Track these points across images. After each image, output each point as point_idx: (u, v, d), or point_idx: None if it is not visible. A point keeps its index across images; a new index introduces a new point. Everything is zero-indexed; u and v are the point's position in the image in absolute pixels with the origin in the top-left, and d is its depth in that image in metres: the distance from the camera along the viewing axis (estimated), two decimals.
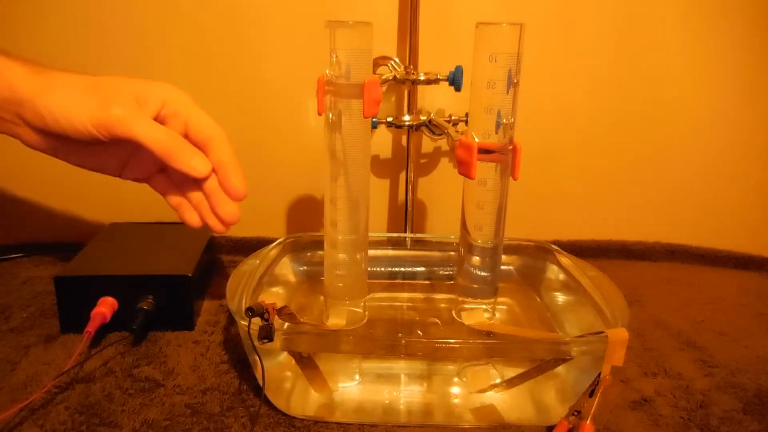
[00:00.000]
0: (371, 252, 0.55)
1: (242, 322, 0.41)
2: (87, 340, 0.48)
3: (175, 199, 0.47)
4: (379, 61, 0.66)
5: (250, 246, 0.70)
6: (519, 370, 0.45)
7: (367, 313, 0.53)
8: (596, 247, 0.75)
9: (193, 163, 0.44)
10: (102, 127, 0.42)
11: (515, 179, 0.48)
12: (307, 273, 0.61)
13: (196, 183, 0.45)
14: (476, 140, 0.47)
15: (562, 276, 0.57)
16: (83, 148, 0.45)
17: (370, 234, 0.52)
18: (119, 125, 0.42)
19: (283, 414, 0.43)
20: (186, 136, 0.46)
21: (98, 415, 0.42)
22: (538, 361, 0.44)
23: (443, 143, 0.71)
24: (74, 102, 0.42)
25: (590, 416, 0.39)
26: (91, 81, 0.43)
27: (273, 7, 0.66)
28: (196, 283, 0.55)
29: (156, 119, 0.44)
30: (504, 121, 0.46)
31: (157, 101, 0.44)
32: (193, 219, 0.47)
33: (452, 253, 0.63)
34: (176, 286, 0.52)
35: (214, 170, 0.45)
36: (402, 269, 0.63)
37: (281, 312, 0.43)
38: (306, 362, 0.43)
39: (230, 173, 0.45)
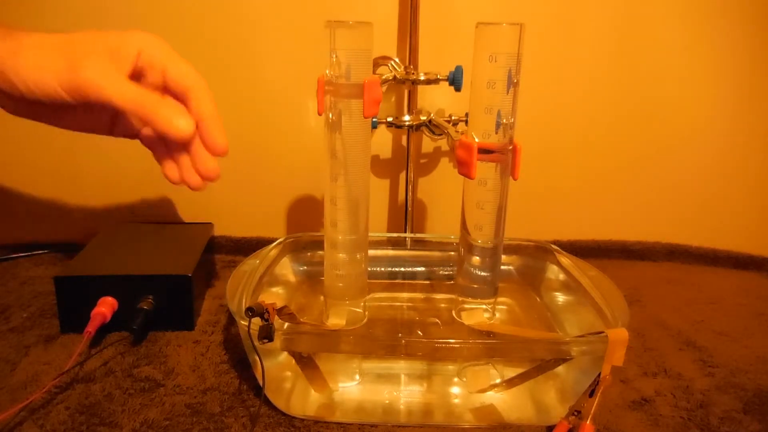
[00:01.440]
0: (371, 252, 0.55)
1: (242, 322, 0.41)
2: (87, 340, 0.48)
3: (161, 153, 0.45)
4: (379, 61, 0.66)
5: (250, 246, 0.70)
6: (519, 370, 0.45)
7: (367, 313, 0.53)
8: (596, 247, 0.75)
9: (175, 122, 0.41)
10: (73, 91, 0.40)
11: (515, 179, 0.48)
12: (307, 273, 0.61)
13: None
14: (476, 140, 0.47)
15: (562, 276, 0.57)
16: (66, 112, 0.43)
17: (370, 234, 0.52)
18: (91, 89, 0.39)
19: (283, 414, 0.43)
20: (165, 88, 0.43)
21: (98, 415, 0.42)
22: (538, 361, 0.44)
23: (443, 143, 0.71)
24: (42, 65, 0.39)
25: (590, 416, 0.39)
26: (62, 40, 0.41)
27: (273, 8, 0.66)
28: (196, 283, 0.55)
29: (133, 72, 0.42)
30: (504, 121, 0.46)
31: (131, 53, 0.41)
32: (173, 174, 0.44)
33: (452, 253, 0.63)
34: (176, 286, 0.52)
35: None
36: (402, 269, 0.63)
37: (281, 312, 0.43)
38: (306, 362, 0.43)
39: (211, 127, 0.42)
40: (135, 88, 0.41)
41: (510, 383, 0.45)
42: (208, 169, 0.43)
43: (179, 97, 0.43)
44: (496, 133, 0.47)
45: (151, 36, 0.43)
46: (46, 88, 0.40)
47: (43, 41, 0.40)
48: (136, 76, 0.42)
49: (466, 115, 0.65)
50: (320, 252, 0.52)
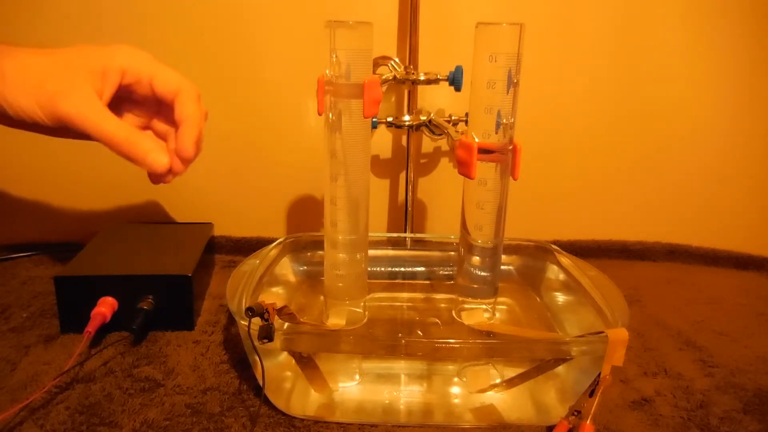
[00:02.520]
0: (371, 252, 0.55)
1: (242, 322, 0.41)
2: (87, 340, 0.48)
3: None
4: (379, 61, 0.66)
5: (250, 246, 0.70)
6: (519, 370, 0.45)
7: (367, 313, 0.53)
8: (596, 247, 0.75)
9: (149, 160, 0.43)
10: (58, 121, 0.41)
11: (515, 179, 0.48)
12: (307, 273, 0.61)
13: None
14: (476, 140, 0.47)
15: (562, 276, 0.57)
16: (60, 128, 0.43)
17: (370, 234, 0.52)
18: (72, 121, 0.41)
19: (283, 414, 0.43)
20: (155, 97, 0.45)
21: (98, 415, 0.42)
22: (538, 361, 0.44)
23: (443, 143, 0.71)
24: (26, 93, 0.41)
25: (590, 416, 0.39)
26: (45, 64, 0.41)
27: (273, 8, 0.66)
28: (196, 283, 0.55)
29: (120, 89, 0.43)
30: (504, 121, 0.46)
31: (115, 73, 0.43)
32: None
33: (452, 253, 0.63)
34: (176, 286, 0.52)
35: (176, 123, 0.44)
36: (402, 269, 0.63)
37: (281, 312, 0.43)
38: (306, 362, 0.43)
39: (186, 132, 0.44)
40: (113, 123, 0.42)
41: (510, 383, 0.45)
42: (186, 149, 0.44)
43: (169, 104, 0.44)
44: (496, 133, 0.47)
45: (133, 51, 0.44)
46: (32, 114, 0.41)
47: (25, 65, 0.41)
48: (125, 91, 0.44)
49: (466, 115, 0.65)
50: (320, 252, 0.52)
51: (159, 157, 0.43)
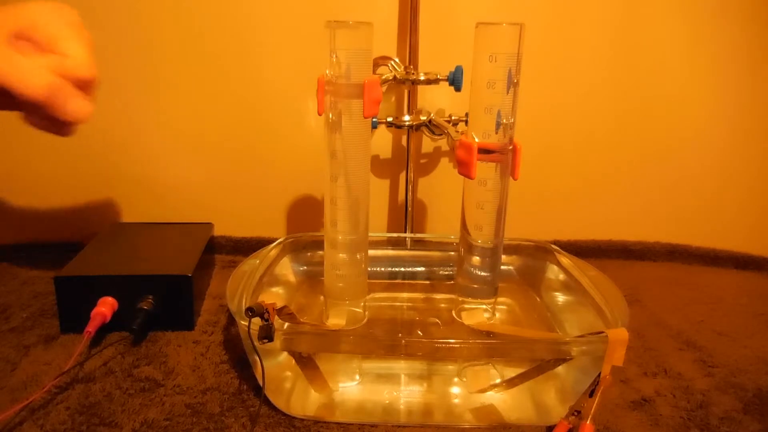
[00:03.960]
0: (371, 252, 0.55)
1: (242, 322, 0.41)
2: (87, 340, 0.48)
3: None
4: (379, 61, 0.66)
5: (250, 246, 0.70)
6: (519, 370, 0.45)
7: (367, 313, 0.53)
8: (596, 247, 0.75)
9: (69, 108, 0.40)
10: None
11: (515, 179, 0.48)
12: (307, 273, 0.61)
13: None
14: (476, 140, 0.47)
15: (562, 276, 0.57)
16: None
17: (370, 234, 0.52)
18: None
19: (283, 414, 0.43)
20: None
21: (98, 415, 0.42)
22: (538, 361, 0.44)
23: (443, 143, 0.71)
24: None
25: (590, 416, 0.39)
26: None
27: (273, 8, 0.66)
28: (196, 283, 0.55)
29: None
30: (504, 121, 0.46)
31: (27, 28, 0.40)
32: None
33: (452, 253, 0.63)
34: (176, 286, 0.52)
35: None
36: (402, 269, 0.63)
37: (281, 312, 0.43)
38: (306, 362, 0.43)
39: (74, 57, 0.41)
40: (32, 71, 0.39)
41: (510, 383, 0.45)
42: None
43: None
44: (496, 133, 0.47)
45: (52, 8, 0.41)
46: None
47: None
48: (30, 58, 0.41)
49: (466, 115, 0.65)
50: (320, 252, 0.53)
51: (81, 102, 0.41)
